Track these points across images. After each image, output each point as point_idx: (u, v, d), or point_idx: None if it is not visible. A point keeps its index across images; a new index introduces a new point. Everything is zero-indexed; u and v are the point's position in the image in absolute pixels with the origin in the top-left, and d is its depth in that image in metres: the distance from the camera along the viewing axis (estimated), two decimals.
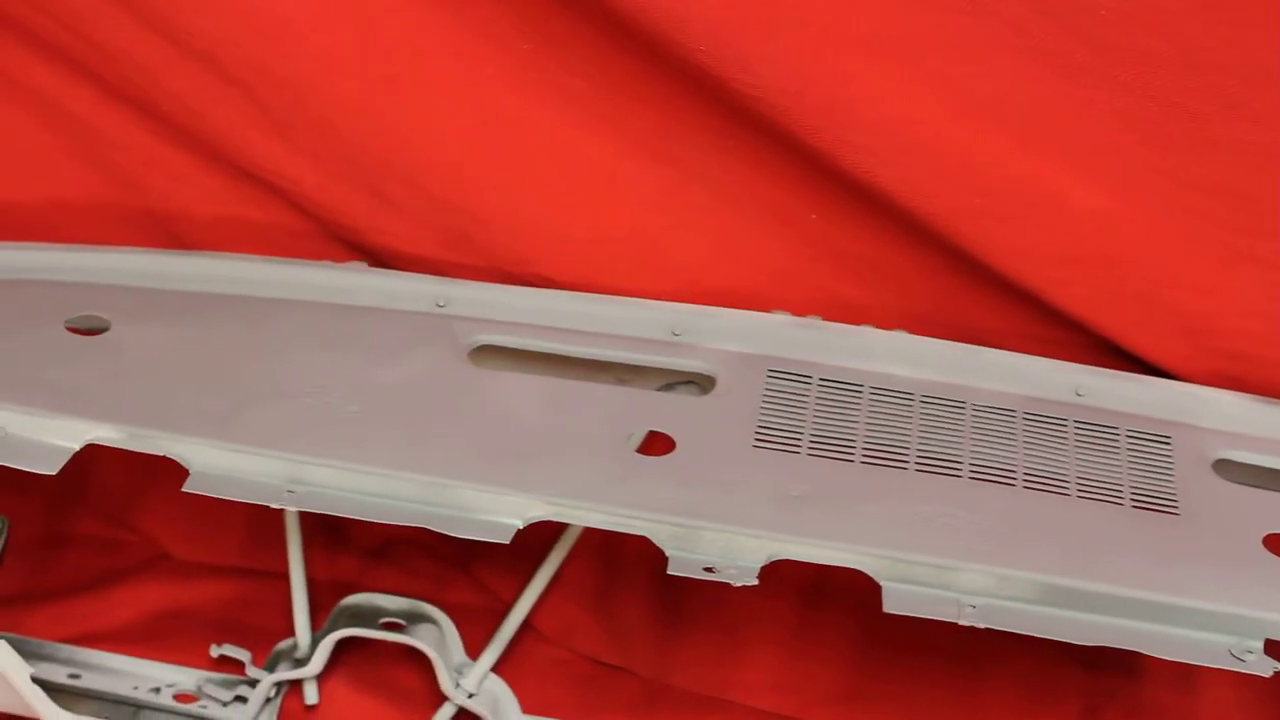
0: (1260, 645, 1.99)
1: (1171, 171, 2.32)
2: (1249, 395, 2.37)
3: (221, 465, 2.07)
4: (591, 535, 2.43)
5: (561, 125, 2.44)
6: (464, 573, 2.70)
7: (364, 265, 2.52)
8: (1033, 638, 1.97)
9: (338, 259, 2.55)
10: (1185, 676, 2.57)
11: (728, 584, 1.97)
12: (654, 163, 2.44)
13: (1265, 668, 1.97)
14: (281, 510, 2.39)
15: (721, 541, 2.00)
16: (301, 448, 2.08)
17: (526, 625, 2.56)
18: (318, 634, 2.48)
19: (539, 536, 2.39)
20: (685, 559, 1.99)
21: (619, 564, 2.65)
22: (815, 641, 2.62)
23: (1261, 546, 2.12)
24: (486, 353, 2.35)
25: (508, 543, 2.02)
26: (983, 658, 2.58)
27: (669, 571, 1.98)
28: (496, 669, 2.48)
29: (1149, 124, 2.28)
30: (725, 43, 2.23)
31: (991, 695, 2.57)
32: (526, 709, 2.47)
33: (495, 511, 2.04)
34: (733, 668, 2.60)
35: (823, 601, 2.63)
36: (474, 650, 2.49)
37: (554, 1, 2.34)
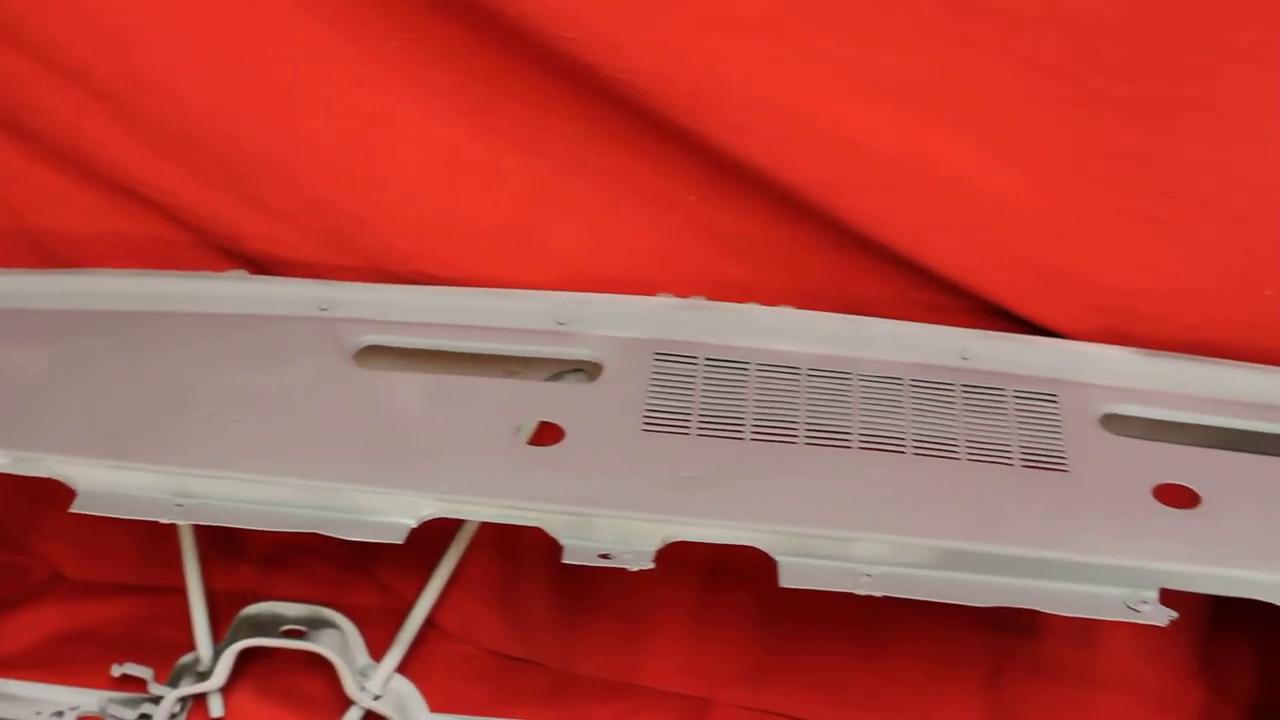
0: (1155, 595, 2.01)
1: (1051, 133, 2.32)
2: (1134, 349, 2.39)
3: (108, 483, 2.05)
4: (489, 529, 2.44)
5: (434, 121, 2.42)
6: (364, 575, 2.69)
7: (244, 274, 2.49)
8: (934, 603, 1.98)
9: (218, 268, 2.53)
10: (1085, 631, 2.60)
11: (627, 570, 1.96)
12: (529, 154, 2.43)
13: (1161, 617, 1.99)
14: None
15: (615, 527, 2.00)
16: (188, 460, 2.06)
17: (429, 623, 2.56)
18: (219, 646, 2.46)
19: (437, 534, 2.38)
20: (580, 547, 1.99)
21: (518, 556, 2.65)
22: (719, 621, 2.63)
23: (1151, 497, 2.13)
24: (372, 354, 2.34)
25: (401, 542, 2.00)
26: (886, 626, 2.60)
27: (564, 561, 1.97)
28: (401, 669, 2.48)
29: (1027, 87, 2.29)
30: (593, 29, 2.22)
31: (896, 662, 2.59)
32: (434, 707, 2.47)
33: (387, 512, 2.03)
34: (638, 652, 2.60)
35: (724, 580, 2.63)
36: (378, 652, 2.49)
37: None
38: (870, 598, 1.97)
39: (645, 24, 2.22)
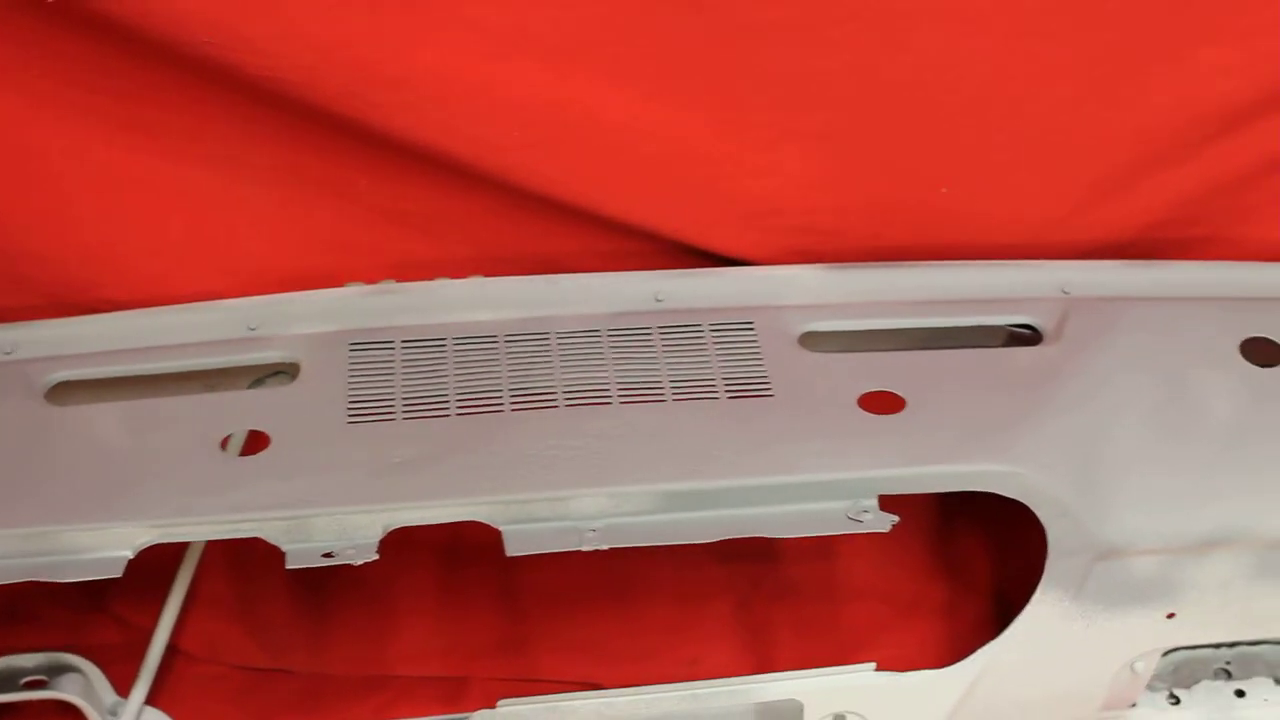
0: (874, 503, 2.07)
1: (707, 66, 2.35)
2: (822, 265, 2.44)
3: None
4: (218, 546, 2.40)
5: (92, 144, 2.36)
6: (100, 612, 2.64)
7: None
8: (674, 546, 2.00)
9: None
10: (823, 547, 2.65)
11: (365, 563, 1.97)
12: (192, 163, 2.38)
13: (883, 523, 2.04)
14: None
15: (334, 525, 2.00)
16: None
17: (173, 650, 2.52)
18: None
19: (167, 560, 2.35)
20: (301, 550, 1.98)
21: (252, 568, 2.62)
22: (464, 598, 2.63)
23: (857, 407, 2.19)
24: (66, 390, 2.28)
25: (120, 575, 1.97)
26: (631, 574, 2.62)
27: (287, 566, 1.97)
28: (151, 701, 2.43)
29: (675, 24, 2.30)
30: (229, 30, 2.18)
31: (646, 608, 2.61)
32: None
33: (102, 548, 1.99)
34: (388, 643, 2.59)
35: (463, 557, 2.64)
36: (126, 687, 2.43)
37: (54, 24, 2.26)
38: (609, 550, 1.98)
39: (280, 17, 2.19)
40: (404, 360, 2.26)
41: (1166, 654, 2.43)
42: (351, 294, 2.36)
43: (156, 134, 2.35)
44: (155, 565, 2.06)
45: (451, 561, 2.64)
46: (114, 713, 2.39)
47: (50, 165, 2.39)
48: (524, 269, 2.42)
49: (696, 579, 2.64)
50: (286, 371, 2.31)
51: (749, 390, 2.20)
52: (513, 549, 1.99)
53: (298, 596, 2.62)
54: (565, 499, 2.01)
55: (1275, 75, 2.47)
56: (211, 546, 2.47)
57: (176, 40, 2.19)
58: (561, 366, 2.23)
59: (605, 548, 2.00)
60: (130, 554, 1.99)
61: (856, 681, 2.22)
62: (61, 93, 2.31)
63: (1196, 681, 2.48)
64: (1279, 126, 2.54)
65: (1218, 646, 2.49)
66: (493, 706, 2.17)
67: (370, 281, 2.39)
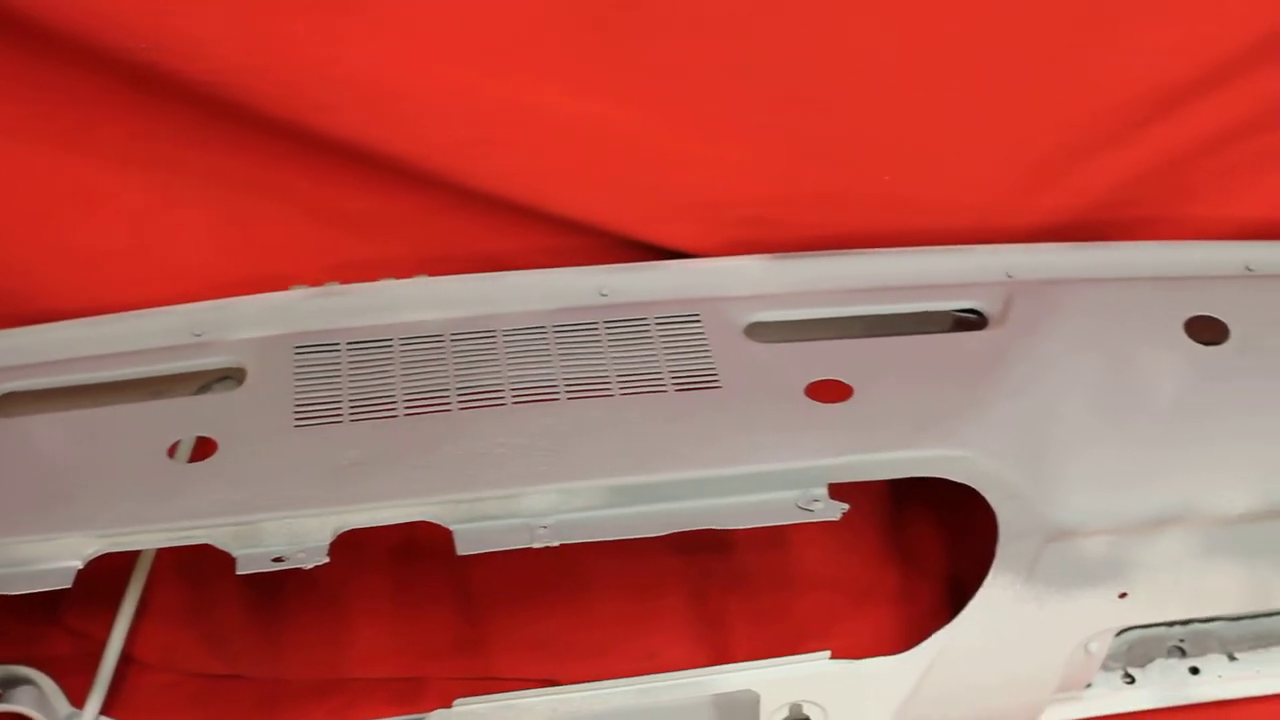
0: (824, 492, 2.07)
1: (638, 59, 2.36)
2: (766, 256, 2.44)
3: None
4: (170, 553, 2.38)
5: (29, 153, 2.35)
6: (53, 624, 2.62)
7: None
8: (627, 540, 2.00)
9: None
10: (776, 537, 2.65)
11: (317, 567, 1.96)
12: (130, 169, 2.37)
13: (834, 511, 2.04)
14: None
15: (284, 529, 1.99)
16: None
17: (127, 659, 2.50)
18: None
19: (119, 569, 2.34)
20: (252, 555, 1.97)
21: (205, 574, 2.60)
22: (418, 598, 2.62)
23: (805, 396, 2.19)
24: (11, 401, 2.26)
25: (69, 586, 1.96)
26: (584, 570, 2.61)
27: (238, 572, 1.96)
28: (106, 711, 2.41)
29: (607, 18, 2.32)
30: (165, 36, 2.17)
31: (600, 603, 2.61)
32: None
33: (50, 559, 1.97)
34: (343, 645, 2.58)
35: (416, 557, 2.63)
36: (80, 699, 2.42)
37: None
38: (562, 546, 1.98)
39: (221, 21, 2.19)
40: (350, 362, 2.25)
41: (1120, 634, 2.44)
42: (296, 297, 2.35)
43: (93, 142, 2.34)
44: (107, 575, 2.05)
45: (405, 562, 2.63)
46: None
47: None
48: (468, 268, 2.42)
49: (650, 572, 2.63)
50: (233, 377, 2.30)
51: (696, 382, 2.20)
52: (464, 548, 1.98)
53: (251, 602, 2.61)
54: (515, 496, 2.01)
55: (1213, 54, 2.48)
56: (163, 554, 2.45)
57: (111, 48, 2.19)
58: (508, 364, 2.23)
59: (556, 544, 2.00)
60: (79, 564, 1.97)
61: (812, 670, 2.22)
62: None
63: (1151, 660, 2.50)
64: (1218, 105, 2.55)
65: (1171, 625, 2.50)
66: (449, 706, 2.16)
67: (314, 284, 2.38)
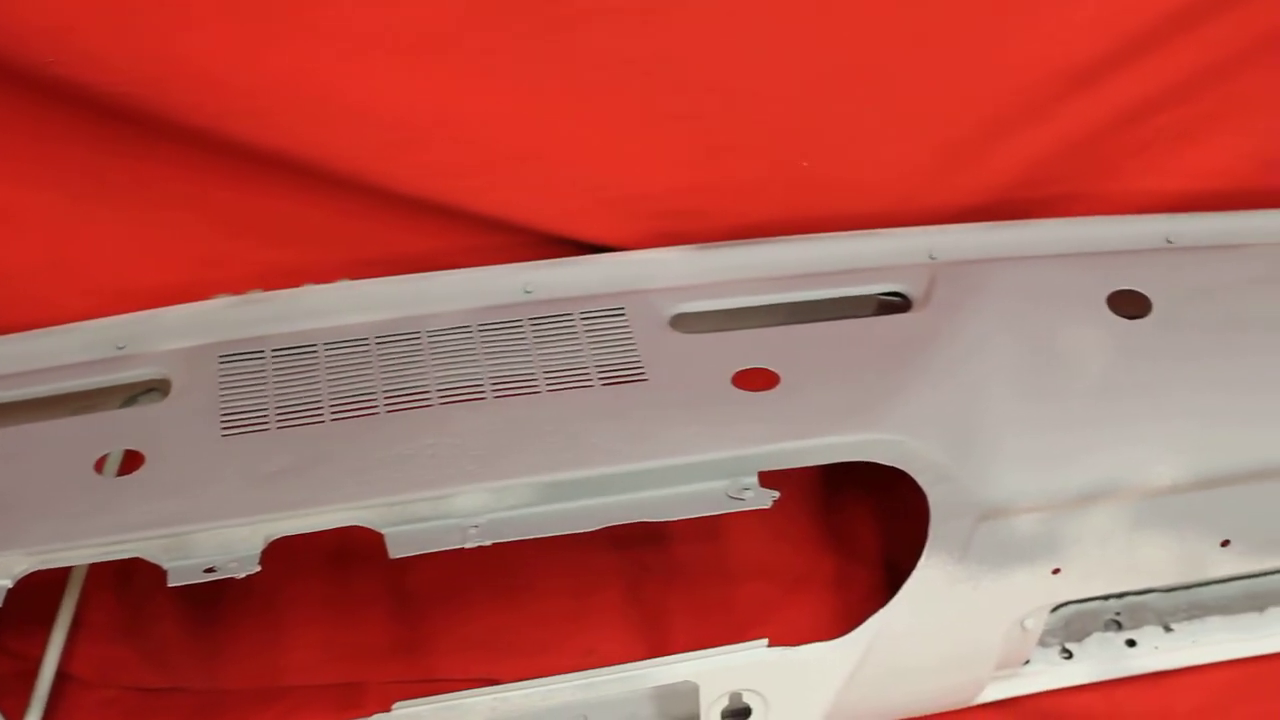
0: (754, 480, 2.07)
1: (553, 55, 2.37)
2: (689, 247, 2.44)
3: None
4: (103, 568, 2.38)
5: None
6: None
7: None
8: (562, 536, 2.00)
9: None
10: (710, 528, 2.65)
11: (253, 575, 1.95)
12: (45, 186, 2.36)
13: (764, 499, 2.05)
14: None
15: (214, 539, 1.98)
16: None
17: (64, 676, 2.48)
18: None
19: (52, 586, 2.32)
20: (183, 567, 1.96)
21: (138, 587, 2.59)
22: (356, 603, 2.61)
23: (732, 386, 2.19)
24: None
25: (0, 605, 1.94)
26: (521, 568, 2.61)
27: (169, 584, 1.95)
28: None
29: (521, 15, 2.32)
30: (76, 48, 2.16)
31: (537, 600, 2.61)
32: None
33: None
34: (282, 653, 2.57)
35: (352, 562, 2.62)
36: (18, 718, 2.40)
37: None
38: (498, 545, 1.98)
39: (126, 34, 2.18)
40: (275, 369, 2.24)
41: (1056, 609, 2.46)
42: (219, 306, 2.34)
43: (4, 158, 2.32)
44: (39, 592, 2.03)
45: (340, 567, 2.62)
46: None
47: None
48: (391, 270, 2.41)
49: (587, 568, 2.63)
50: (158, 388, 2.28)
51: (623, 376, 2.20)
52: (396, 550, 1.98)
53: (187, 614, 2.59)
54: (445, 497, 2.00)
55: (1127, 27, 2.50)
56: (96, 569, 2.44)
57: (19, 62, 2.17)
58: (434, 365, 2.22)
59: (489, 543, 1.99)
60: (9, 583, 1.96)
61: (750, 659, 2.22)
62: None
63: (1088, 634, 2.51)
64: (1134, 79, 2.57)
65: (1106, 598, 2.52)
66: (388, 710, 2.15)
67: (237, 292, 2.36)
